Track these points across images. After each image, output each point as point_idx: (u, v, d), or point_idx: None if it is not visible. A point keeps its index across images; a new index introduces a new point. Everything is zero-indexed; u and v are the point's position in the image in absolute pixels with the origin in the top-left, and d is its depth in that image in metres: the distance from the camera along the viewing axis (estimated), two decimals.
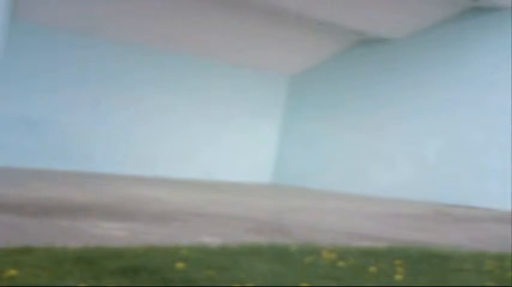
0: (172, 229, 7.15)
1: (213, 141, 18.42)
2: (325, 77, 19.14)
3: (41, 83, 15.54)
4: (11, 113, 15.04)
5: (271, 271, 4.55)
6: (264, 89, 19.40)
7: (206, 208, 9.98)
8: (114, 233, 6.25)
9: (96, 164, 16.23)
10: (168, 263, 4.46)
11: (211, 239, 6.20)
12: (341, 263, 5.07)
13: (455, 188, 15.92)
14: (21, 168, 14.29)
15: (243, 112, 18.95)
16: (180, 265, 4.37)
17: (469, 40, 16.65)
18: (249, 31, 17.26)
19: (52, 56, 15.68)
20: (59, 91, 15.84)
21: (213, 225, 7.76)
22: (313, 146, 18.77)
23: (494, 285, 4.72)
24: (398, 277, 4.71)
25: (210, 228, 7.44)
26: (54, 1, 14.87)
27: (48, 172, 14.27)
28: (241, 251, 5.37)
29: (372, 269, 4.90)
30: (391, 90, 17.65)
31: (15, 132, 15.15)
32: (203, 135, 18.27)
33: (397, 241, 7.27)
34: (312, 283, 4.21)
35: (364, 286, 4.38)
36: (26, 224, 6.38)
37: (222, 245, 5.65)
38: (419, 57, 17.42)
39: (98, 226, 6.74)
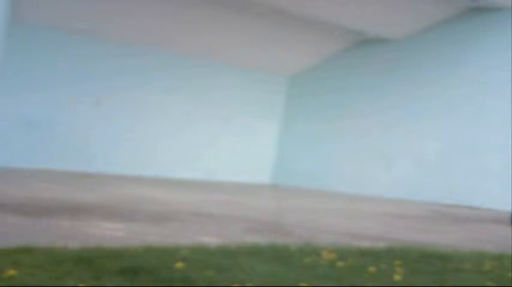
0: (172, 229, 7.15)
1: (213, 142, 18.42)
2: (325, 77, 19.14)
3: (41, 83, 15.55)
4: (11, 113, 15.05)
5: (271, 271, 4.55)
6: (264, 89, 19.40)
7: (206, 208, 9.98)
8: (113, 233, 6.25)
9: (96, 164, 16.24)
10: (168, 263, 4.46)
11: (211, 239, 6.20)
12: (340, 264, 5.07)
13: (455, 188, 15.92)
14: (21, 168, 14.29)
15: (243, 112, 18.95)
16: (179, 265, 4.37)
17: (469, 40, 16.65)
18: (249, 31, 17.27)
19: (52, 56, 15.69)
20: (59, 91, 15.85)
21: (212, 225, 7.75)
22: (313, 147, 18.77)
23: (494, 285, 4.72)
24: (397, 277, 4.71)
25: (209, 228, 7.44)
26: (54, 1, 14.87)
27: (48, 172, 14.27)
28: (240, 251, 5.37)
29: (372, 269, 4.89)
30: (390, 91, 17.66)
31: (15, 132, 15.16)
32: (203, 135, 18.28)
33: (396, 241, 7.27)
34: (311, 283, 4.21)
35: (363, 286, 4.38)
36: (26, 224, 6.38)
37: (222, 245, 5.65)
38: (419, 58, 17.42)
39: (98, 226, 6.74)
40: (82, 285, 3.68)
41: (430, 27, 17.28)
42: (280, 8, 16.04)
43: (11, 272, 3.79)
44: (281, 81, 19.92)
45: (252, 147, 19.22)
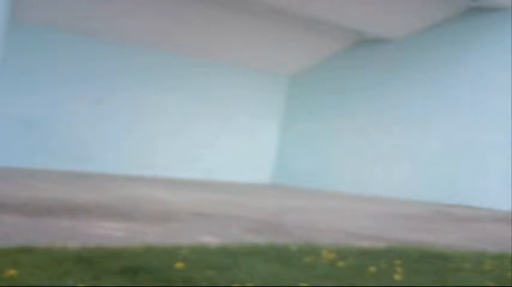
0: (172, 229, 7.15)
1: (213, 142, 18.42)
2: (324, 77, 19.15)
3: (41, 83, 15.55)
4: (11, 113, 15.05)
5: (271, 271, 4.56)
6: (264, 89, 19.40)
7: (206, 207, 9.98)
8: (114, 233, 6.25)
9: (96, 164, 16.24)
10: (168, 263, 4.46)
11: (211, 239, 6.21)
12: (340, 263, 5.07)
13: (455, 188, 15.92)
14: (21, 168, 14.29)
15: (243, 112, 18.96)
16: (179, 265, 4.37)
17: (468, 40, 16.65)
18: (249, 31, 17.28)
19: (52, 56, 15.69)
20: (58, 91, 15.85)
21: (212, 225, 7.76)
22: (313, 146, 18.77)
23: (494, 285, 4.72)
24: (397, 277, 4.71)
25: (209, 228, 7.44)
26: (54, 1, 14.87)
27: (48, 172, 14.27)
28: (241, 251, 5.37)
29: (372, 269, 4.89)
30: (390, 91, 17.66)
31: (15, 132, 15.16)
32: (203, 135, 18.28)
33: (396, 241, 7.27)
34: (311, 283, 4.21)
35: (363, 286, 4.38)
36: (26, 224, 6.38)
37: (222, 245, 5.65)
38: (419, 58, 17.42)
39: (98, 226, 6.74)
40: (82, 285, 3.68)
41: (430, 27, 17.28)
42: (280, 8, 16.04)
43: (11, 272, 3.79)
44: (281, 81, 19.93)
45: (252, 147, 19.22)
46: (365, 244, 6.78)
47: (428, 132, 16.86)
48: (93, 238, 5.66)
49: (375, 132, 17.77)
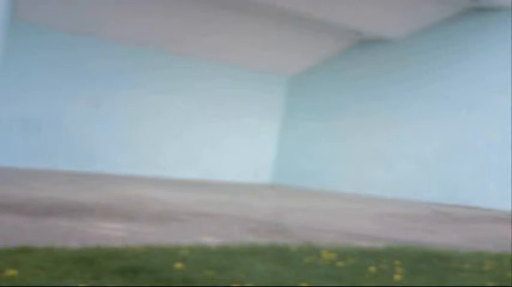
0: (172, 229, 7.16)
1: (213, 142, 18.42)
2: (324, 78, 19.15)
3: (41, 83, 15.54)
4: (11, 113, 15.04)
5: (271, 271, 4.56)
6: (264, 89, 19.40)
7: (206, 208, 9.98)
8: (114, 233, 6.25)
9: (96, 164, 16.23)
10: (168, 263, 4.46)
11: (211, 239, 6.21)
12: (340, 263, 5.08)
13: (454, 188, 15.93)
14: (21, 168, 14.29)
15: (243, 113, 18.95)
16: (179, 265, 4.38)
17: (469, 40, 16.65)
18: (249, 31, 17.28)
19: (52, 56, 15.68)
20: (58, 91, 15.85)
21: (212, 225, 7.76)
22: (313, 147, 18.77)
23: (494, 285, 4.72)
24: (397, 277, 4.72)
25: (209, 228, 7.44)
26: (53, 1, 14.87)
27: (48, 172, 14.27)
28: (241, 251, 5.38)
29: (372, 269, 4.90)
30: (390, 91, 17.66)
31: (14, 132, 15.16)
32: (203, 135, 18.27)
33: (396, 241, 7.27)
34: (311, 283, 4.21)
35: (363, 286, 4.38)
36: (26, 224, 6.39)
37: (222, 245, 5.66)
38: (419, 58, 17.42)
39: (98, 226, 6.74)
40: (82, 285, 3.68)
41: (430, 27, 17.28)
42: (280, 8, 16.04)
43: (11, 272, 3.79)
44: (281, 81, 19.92)
45: (252, 147, 19.22)
46: (365, 244, 6.78)
47: (428, 132, 16.86)
48: (93, 238, 5.66)
49: (375, 132, 17.77)
